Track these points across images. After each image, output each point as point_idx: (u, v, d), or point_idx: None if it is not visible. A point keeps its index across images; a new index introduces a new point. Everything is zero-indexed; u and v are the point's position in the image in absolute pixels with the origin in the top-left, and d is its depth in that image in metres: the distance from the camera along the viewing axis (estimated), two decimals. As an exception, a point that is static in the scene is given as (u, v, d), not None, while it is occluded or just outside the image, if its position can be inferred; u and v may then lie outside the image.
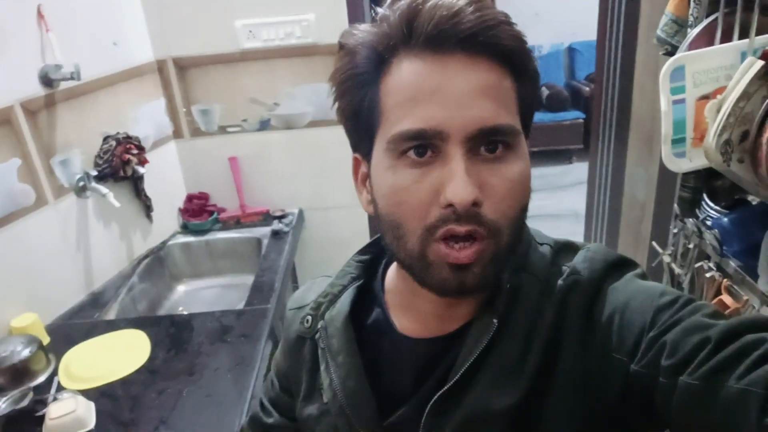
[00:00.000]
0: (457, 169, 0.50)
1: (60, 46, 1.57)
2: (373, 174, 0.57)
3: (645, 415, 0.52)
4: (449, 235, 0.52)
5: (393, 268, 0.69)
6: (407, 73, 0.52)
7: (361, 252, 0.73)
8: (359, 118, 0.57)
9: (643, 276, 0.59)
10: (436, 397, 0.57)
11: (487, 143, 0.52)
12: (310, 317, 0.71)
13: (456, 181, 0.50)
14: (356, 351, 0.64)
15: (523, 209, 0.55)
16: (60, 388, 1.33)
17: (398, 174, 0.53)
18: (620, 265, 0.59)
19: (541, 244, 0.62)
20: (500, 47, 0.52)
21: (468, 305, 0.61)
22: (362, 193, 0.62)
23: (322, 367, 0.67)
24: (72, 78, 1.56)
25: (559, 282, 0.58)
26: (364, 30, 0.55)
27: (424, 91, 0.51)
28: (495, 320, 0.56)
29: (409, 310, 0.65)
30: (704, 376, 0.46)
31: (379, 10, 0.55)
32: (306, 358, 0.70)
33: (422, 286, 0.56)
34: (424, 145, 0.52)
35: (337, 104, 0.59)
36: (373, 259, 0.72)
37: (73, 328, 1.59)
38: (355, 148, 0.62)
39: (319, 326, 0.68)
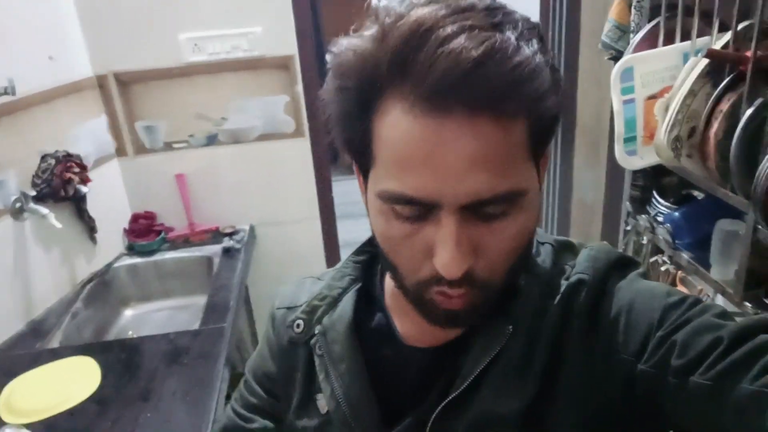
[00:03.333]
0: (448, 239, 0.46)
1: (-8, 60, 1.48)
2: (368, 203, 0.54)
3: (651, 415, 0.51)
4: (442, 292, 0.51)
5: None
6: (398, 130, 0.46)
7: (357, 252, 0.70)
8: (352, 149, 0.52)
9: (645, 275, 0.58)
10: (443, 404, 0.55)
11: (483, 210, 0.47)
12: (301, 321, 0.67)
13: (446, 252, 0.47)
14: (360, 358, 0.62)
15: (523, 254, 0.53)
16: (1, 424, 1.23)
17: (390, 224, 0.50)
18: (623, 264, 0.58)
19: (543, 244, 0.61)
20: (512, 108, 0.45)
21: None
22: (364, 195, 0.58)
23: (321, 376, 0.63)
24: (6, 93, 1.47)
25: (562, 282, 0.57)
26: (353, 49, 0.47)
27: (416, 156, 0.45)
28: (510, 327, 0.55)
29: (411, 313, 0.61)
30: (716, 376, 0.45)
31: (373, 2, 0.48)
32: (299, 365, 0.67)
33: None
34: (414, 207, 0.48)
35: (331, 126, 0.53)
36: (370, 260, 0.69)
37: (12, 360, 1.47)
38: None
39: (316, 331, 0.65)
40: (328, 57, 0.50)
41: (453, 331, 0.60)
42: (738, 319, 0.50)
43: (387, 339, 0.63)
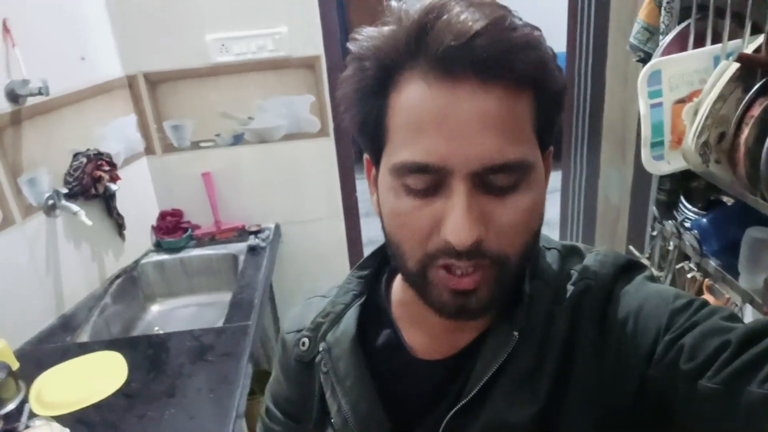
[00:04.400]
0: (458, 207, 0.47)
1: (26, 62, 1.52)
2: (379, 186, 0.55)
3: (661, 418, 0.51)
4: (449, 266, 0.50)
5: (399, 280, 0.66)
6: (413, 97, 0.49)
7: (360, 267, 0.69)
8: (366, 130, 0.54)
9: (652, 278, 0.58)
10: (451, 413, 0.55)
11: (494, 179, 0.49)
12: (306, 339, 0.67)
13: (455, 220, 0.47)
14: (367, 374, 0.61)
15: (534, 235, 0.53)
16: (32, 416, 1.27)
17: (400, 199, 0.51)
18: (630, 268, 0.58)
19: (549, 249, 0.61)
20: (518, 72, 0.47)
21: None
22: (374, 194, 0.60)
23: (328, 393, 0.63)
24: (40, 93, 1.51)
25: (570, 287, 0.57)
26: (372, 36, 0.52)
27: (429, 119, 0.48)
28: (515, 333, 0.55)
29: (419, 324, 0.62)
30: (725, 380, 0.45)
31: (393, 3, 0.52)
32: (314, 384, 0.66)
33: (425, 304, 0.55)
34: (427, 178, 0.49)
35: (345, 111, 0.56)
36: (373, 274, 0.69)
37: (43, 353, 1.52)
38: (365, 151, 0.59)
39: (320, 348, 0.65)
40: (349, 45, 0.54)
41: (461, 341, 0.60)
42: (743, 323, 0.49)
43: (395, 352, 0.63)
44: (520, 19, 0.49)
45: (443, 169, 0.48)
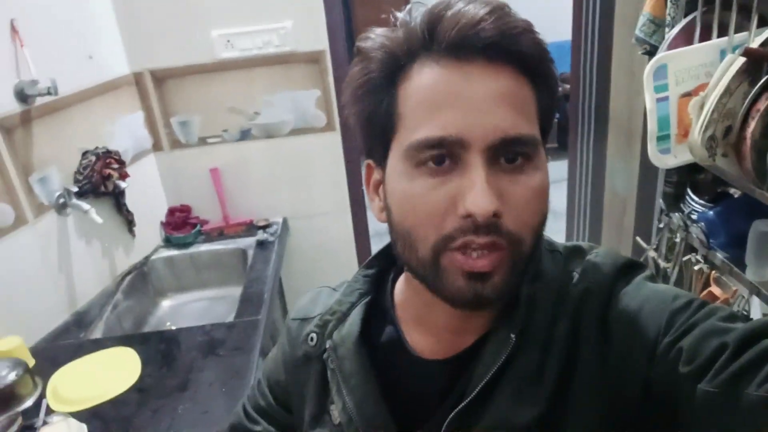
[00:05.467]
0: (478, 178, 0.49)
1: (34, 62, 1.53)
2: (387, 180, 0.56)
3: (663, 420, 0.51)
4: (467, 245, 0.50)
5: (402, 280, 0.67)
6: (427, 79, 0.51)
7: (367, 266, 0.70)
8: (374, 124, 0.55)
9: (652, 278, 0.58)
10: (452, 414, 0.55)
11: (508, 153, 0.51)
12: (315, 335, 0.68)
13: (476, 191, 0.48)
14: (371, 373, 0.62)
15: (543, 220, 0.54)
16: (49, 412, 1.29)
17: (414, 182, 0.52)
18: (629, 269, 0.59)
19: (552, 251, 0.61)
20: (522, 55, 0.51)
21: (483, 317, 0.60)
22: (374, 201, 0.61)
23: (333, 390, 0.64)
24: (49, 93, 1.52)
25: (571, 288, 0.57)
26: (381, 34, 0.54)
27: (445, 96, 0.50)
28: (513, 335, 0.55)
29: (422, 324, 0.63)
30: (723, 383, 0.45)
31: (399, 14, 0.54)
32: (314, 379, 0.68)
33: (436, 296, 0.55)
34: (443, 154, 0.50)
35: (350, 109, 0.57)
36: (380, 273, 0.70)
37: (58, 350, 1.55)
38: (368, 154, 0.60)
39: (327, 346, 0.66)
40: (357, 44, 0.56)
41: (464, 342, 0.60)
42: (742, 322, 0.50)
43: (398, 352, 0.64)
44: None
45: (460, 141, 0.49)
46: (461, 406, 0.55)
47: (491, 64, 0.50)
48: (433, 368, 0.61)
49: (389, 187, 0.56)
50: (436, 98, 0.51)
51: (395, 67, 0.53)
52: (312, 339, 0.68)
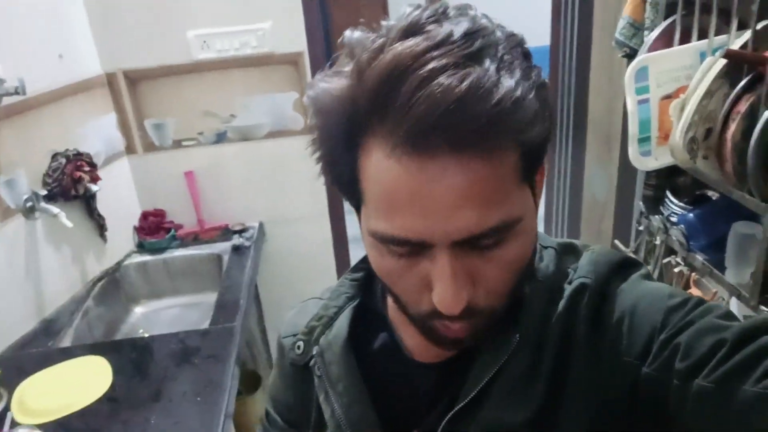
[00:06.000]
0: (444, 276, 0.46)
1: (1, 60, 1.48)
2: (362, 233, 0.53)
3: (657, 417, 0.51)
4: (443, 321, 0.51)
5: None
6: (382, 172, 0.45)
7: (354, 270, 0.69)
8: (341, 187, 0.52)
9: (647, 276, 0.58)
10: (449, 416, 0.55)
11: (478, 243, 0.47)
12: (301, 343, 0.66)
13: (443, 288, 0.47)
14: (359, 377, 0.61)
15: (522, 273, 0.52)
16: (14, 424, 1.24)
17: (384, 258, 0.50)
18: (625, 266, 0.58)
19: (546, 248, 0.60)
20: (499, 141, 0.44)
21: None
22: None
23: (321, 397, 0.63)
24: (17, 93, 1.47)
25: (565, 286, 0.56)
26: (332, 93, 0.46)
27: (401, 198, 0.45)
28: (517, 336, 0.54)
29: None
30: (720, 379, 0.44)
31: (383, 23, 0.47)
32: (310, 387, 0.66)
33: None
34: (406, 247, 0.48)
35: (318, 161, 0.52)
36: (368, 276, 0.68)
37: (25, 359, 1.48)
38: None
39: (313, 352, 0.64)
40: (305, 98, 0.49)
41: None
42: (742, 319, 0.49)
43: (393, 355, 0.63)
44: (496, 50, 0.44)
45: (422, 242, 0.46)
46: (456, 409, 0.54)
47: (457, 157, 0.43)
48: (427, 371, 0.60)
49: (365, 242, 0.53)
50: (392, 199, 0.45)
51: (350, 135, 0.47)
52: (299, 347, 0.67)
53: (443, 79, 0.41)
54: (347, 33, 0.48)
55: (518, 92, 0.43)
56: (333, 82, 0.46)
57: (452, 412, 0.54)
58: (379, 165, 0.45)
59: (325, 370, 0.62)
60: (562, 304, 0.55)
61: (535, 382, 0.53)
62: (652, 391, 0.50)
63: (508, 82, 0.43)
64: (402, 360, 0.62)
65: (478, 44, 0.43)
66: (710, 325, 0.48)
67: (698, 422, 0.47)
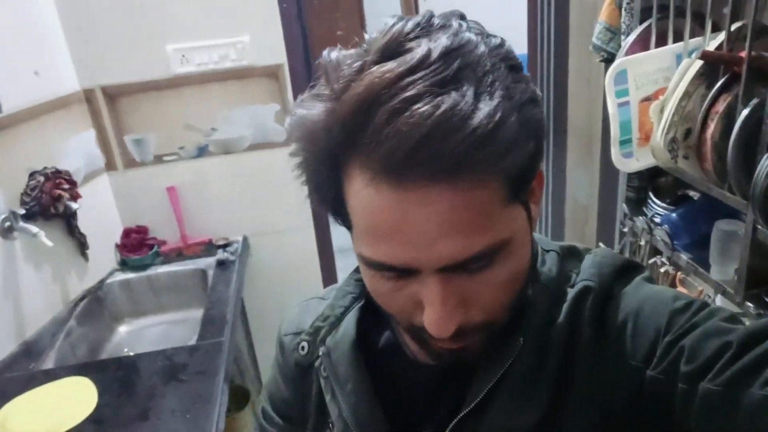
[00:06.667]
0: (434, 299, 0.46)
1: (-24, 78, 1.45)
2: (354, 250, 0.52)
3: (662, 420, 0.51)
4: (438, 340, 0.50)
5: None
6: (363, 200, 0.45)
7: (358, 269, 0.68)
8: (328, 209, 0.51)
9: (650, 279, 0.58)
10: (455, 421, 0.54)
11: (466, 266, 0.46)
12: (306, 343, 0.66)
13: (433, 313, 0.46)
14: (367, 378, 0.61)
15: (520, 287, 0.52)
16: (-3, 450, 1.20)
17: (375, 280, 0.50)
18: (628, 270, 0.58)
19: (548, 251, 0.60)
20: (479, 169, 0.42)
21: None
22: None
23: (328, 397, 0.62)
24: (-8, 111, 1.44)
25: (568, 289, 0.56)
26: (309, 122, 0.46)
27: (383, 229, 0.44)
28: (521, 339, 0.54)
29: None
30: (726, 382, 0.44)
31: (366, 36, 0.47)
32: (311, 389, 0.66)
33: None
34: (394, 272, 0.48)
35: (305, 185, 0.52)
36: None
37: (6, 383, 1.45)
38: None
39: (320, 353, 0.64)
40: (285, 124, 0.49)
41: None
42: (747, 322, 0.49)
43: (396, 356, 0.62)
44: (475, 69, 0.43)
45: (408, 269, 0.47)
46: (463, 413, 0.54)
47: (437, 187, 0.42)
48: (431, 372, 0.60)
49: (357, 260, 0.52)
50: (375, 228, 0.45)
51: (331, 163, 0.46)
52: (303, 348, 0.66)
53: (416, 109, 0.40)
54: (324, 54, 0.47)
55: (497, 116, 0.41)
56: (311, 108, 0.45)
57: (459, 417, 0.54)
58: (360, 194, 0.45)
59: (332, 370, 0.62)
60: (565, 307, 0.55)
61: (540, 386, 0.53)
62: (657, 394, 0.50)
63: (486, 107, 0.41)
64: (406, 360, 0.62)
65: (456, 65, 0.42)
66: (715, 328, 0.48)
67: (704, 425, 0.47)
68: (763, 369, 0.43)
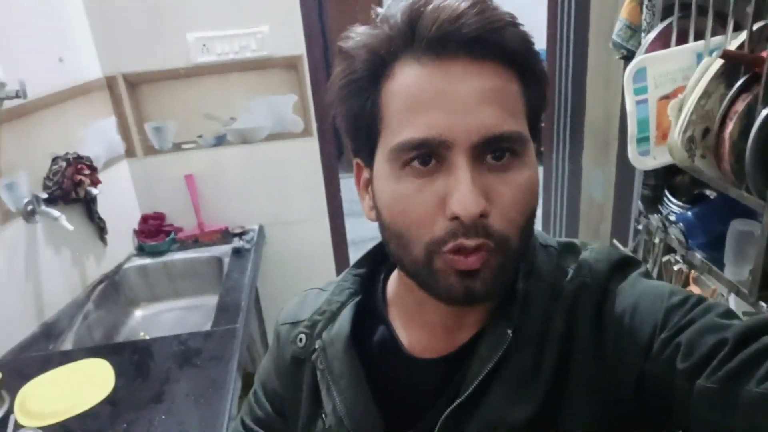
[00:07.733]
0: (463, 179, 0.48)
1: (2, 64, 1.48)
2: (375, 181, 0.55)
3: (660, 416, 0.51)
4: (458, 249, 0.50)
5: (394, 279, 0.66)
6: (409, 79, 0.50)
7: (357, 265, 0.69)
8: (360, 125, 0.54)
9: (647, 274, 0.58)
10: (447, 412, 0.54)
11: (494, 151, 0.50)
12: (303, 336, 0.67)
13: (462, 191, 0.48)
14: (361, 374, 0.61)
15: (531, 216, 0.53)
16: (18, 427, 1.23)
17: (401, 183, 0.51)
18: (625, 265, 0.58)
19: (546, 246, 0.61)
20: (506, 50, 0.50)
21: (477, 313, 0.59)
22: (364, 199, 0.60)
23: (323, 391, 0.63)
24: (18, 96, 1.47)
25: (565, 284, 0.57)
26: (363, 33, 0.53)
27: (426, 96, 0.49)
28: (509, 331, 0.54)
29: (416, 323, 0.62)
30: (723, 379, 0.44)
31: (380, 10, 0.53)
32: (305, 382, 0.66)
33: (429, 294, 0.54)
34: (428, 154, 0.50)
35: (336, 109, 0.56)
36: (370, 273, 0.69)
37: (26, 362, 1.48)
38: (356, 153, 0.59)
39: (316, 346, 0.65)
40: (339, 44, 0.55)
41: (458, 340, 0.59)
42: (743, 317, 0.49)
43: (391, 352, 0.63)
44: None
45: (444, 142, 0.49)
46: (454, 405, 0.54)
47: (474, 61, 0.49)
48: (426, 367, 0.60)
49: (377, 187, 0.55)
50: (418, 99, 0.50)
51: (378, 66, 0.52)
52: (301, 340, 0.67)
53: (459, 0, 0.49)
54: (350, 28, 0.55)
55: (518, 23, 0.51)
56: (367, 28, 0.54)
57: (450, 408, 0.54)
58: (405, 76, 0.51)
59: (328, 364, 0.63)
60: (562, 301, 0.56)
61: (537, 381, 0.53)
62: (655, 389, 0.50)
63: (515, 18, 0.51)
64: (401, 356, 0.62)
65: (490, 0, 0.51)
66: (711, 324, 0.48)
67: (700, 421, 0.47)
68: (758, 366, 0.43)
